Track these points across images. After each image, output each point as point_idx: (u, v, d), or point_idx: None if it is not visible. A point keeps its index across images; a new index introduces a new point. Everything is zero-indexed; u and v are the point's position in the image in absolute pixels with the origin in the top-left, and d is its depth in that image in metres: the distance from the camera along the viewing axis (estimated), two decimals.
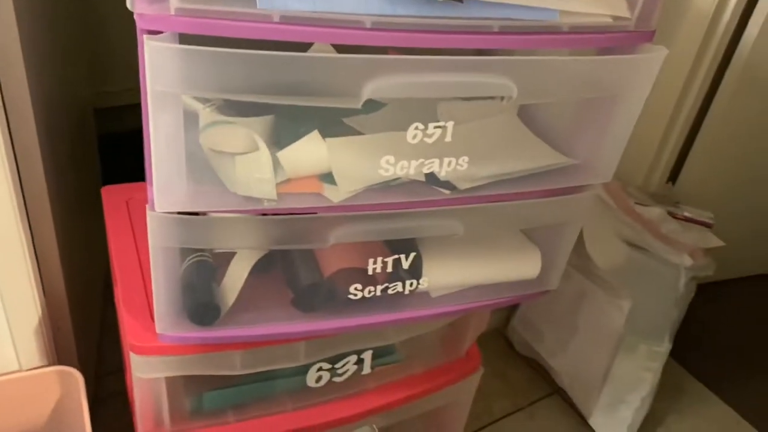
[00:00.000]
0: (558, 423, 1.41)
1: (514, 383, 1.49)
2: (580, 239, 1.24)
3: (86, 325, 1.13)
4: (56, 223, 0.87)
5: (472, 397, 1.06)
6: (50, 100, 0.91)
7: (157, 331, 0.71)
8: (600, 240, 1.29)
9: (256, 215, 0.65)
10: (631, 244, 1.29)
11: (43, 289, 0.89)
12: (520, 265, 0.84)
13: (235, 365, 0.78)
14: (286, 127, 0.69)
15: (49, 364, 0.93)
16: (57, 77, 1.00)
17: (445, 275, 0.80)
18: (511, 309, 1.54)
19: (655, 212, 1.31)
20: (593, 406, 1.36)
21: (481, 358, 1.03)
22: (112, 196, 0.95)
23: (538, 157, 0.76)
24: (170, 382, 0.78)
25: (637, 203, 1.34)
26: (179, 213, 0.62)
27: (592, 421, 1.38)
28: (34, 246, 0.85)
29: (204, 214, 0.65)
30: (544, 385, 1.49)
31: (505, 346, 1.58)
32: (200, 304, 0.72)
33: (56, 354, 0.95)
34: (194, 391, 0.84)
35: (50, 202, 0.84)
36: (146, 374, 0.75)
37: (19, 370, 0.91)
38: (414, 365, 0.97)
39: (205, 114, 0.69)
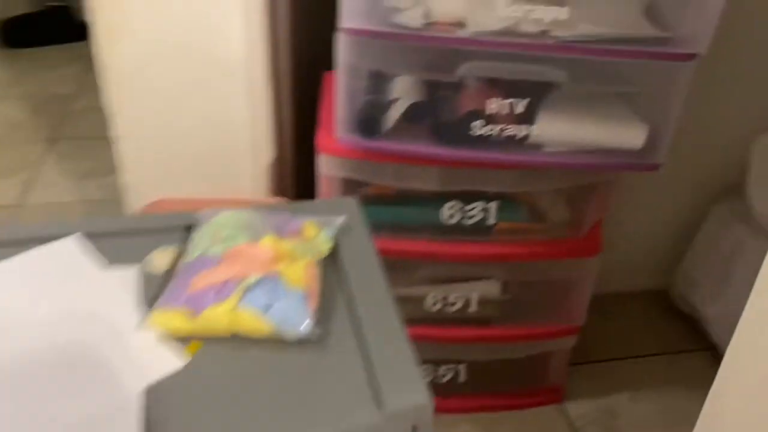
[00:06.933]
0: (698, 374, 1.44)
1: (663, 333, 1.55)
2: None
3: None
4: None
5: (590, 282, 1.21)
6: None
7: (337, 135, 1.04)
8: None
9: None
10: None
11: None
12: (624, 133, 1.00)
13: (388, 175, 1.07)
14: None
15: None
16: None
17: (554, 128, 1.00)
18: (674, 266, 1.60)
19: None
20: None
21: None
22: None
23: (634, 26, 0.94)
24: (345, 186, 1.10)
25: None
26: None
27: None
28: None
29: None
30: (696, 340, 1.52)
31: (666, 306, 1.63)
32: (369, 118, 1.02)
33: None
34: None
35: None
36: (328, 171, 1.08)
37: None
38: (536, 231, 1.16)
39: None
